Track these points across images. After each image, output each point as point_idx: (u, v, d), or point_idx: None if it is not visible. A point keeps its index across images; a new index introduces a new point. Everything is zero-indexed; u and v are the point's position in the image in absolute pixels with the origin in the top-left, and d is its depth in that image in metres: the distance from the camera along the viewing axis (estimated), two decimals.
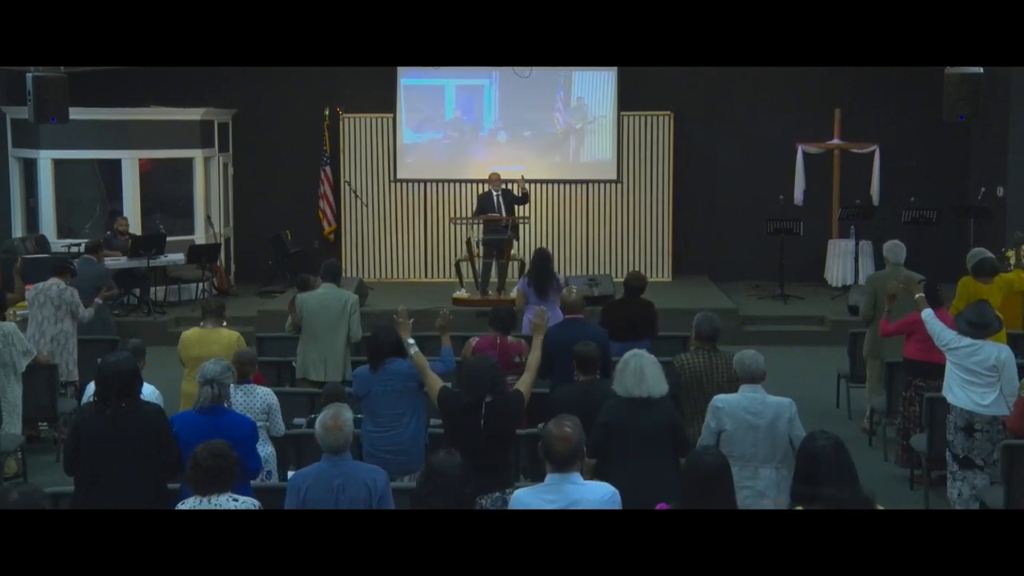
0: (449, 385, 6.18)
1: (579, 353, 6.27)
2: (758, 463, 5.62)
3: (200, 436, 5.13)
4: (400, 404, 6.35)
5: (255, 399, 6.52)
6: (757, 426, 5.61)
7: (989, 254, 8.94)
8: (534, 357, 6.22)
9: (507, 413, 5.62)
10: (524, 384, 6.00)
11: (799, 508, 4.01)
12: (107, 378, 5.38)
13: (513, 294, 12.82)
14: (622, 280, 9.16)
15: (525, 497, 4.48)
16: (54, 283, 9.18)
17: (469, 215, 13.82)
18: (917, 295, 7.44)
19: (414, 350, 6.17)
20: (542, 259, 9.41)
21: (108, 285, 10.24)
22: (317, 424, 4.92)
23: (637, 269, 11.85)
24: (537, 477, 6.56)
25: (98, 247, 10.79)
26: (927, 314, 7.15)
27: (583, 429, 4.56)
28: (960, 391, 6.83)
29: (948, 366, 6.98)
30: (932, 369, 7.54)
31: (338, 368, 8.36)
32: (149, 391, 6.27)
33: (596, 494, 4.45)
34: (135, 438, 5.29)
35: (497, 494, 5.38)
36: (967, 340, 6.75)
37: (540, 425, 6.72)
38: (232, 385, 6.31)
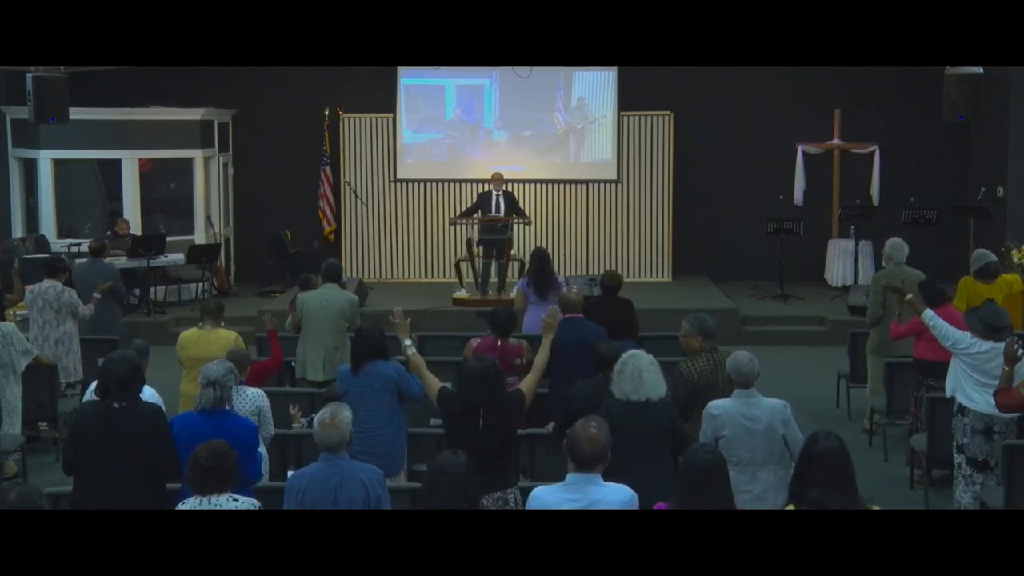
0: (448, 385, 6.15)
1: (601, 351, 6.26)
2: (756, 466, 5.58)
3: (201, 438, 5.11)
4: (377, 406, 6.31)
5: (244, 401, 6.39)
6: (754, 430, 5.57)
7: (993, 257, 8.80)
8: (542, 357, 6.17)
9: (506, 414, 5.57)
10: (527, 383, 5.94)
11: (791, 507, 4.00)
12: (110, 370, 5.38)
13: (513, 294, 12.91)
14: (624, 280, 9.14)
15: (545, 495, 4.49)
16: (50, 286, 9.16)
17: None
18: (908, 296, 7.29)
19: (411, 351, 6.09)
20: (541, 259, 9.42)
21: (115, 283, 10.20)
22: (315, 422, 4.95)
23: (614, 269, 11.81)
24: (537, 476, 6.57)
25: (103, 248, 10.75)
26: (928, 315, 6.95)
27: None
28: (976, 394, 6.67)
29: (956, 368, 6.80)
30: (945, 369, 7.45)
31: (337, 368, 8.35)
32: (149, 394, 6.25)
33: (616, 496, 4.47)
34: (133, 438, 5.28)
35: (498, 494, 5.37)
36: (987, 344, 6.56)
37: (550, 425, 6.72)
38: None
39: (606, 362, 6.15)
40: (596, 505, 4.36)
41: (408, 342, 6.12)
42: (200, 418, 5.57)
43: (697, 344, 6.48)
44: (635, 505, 4.50)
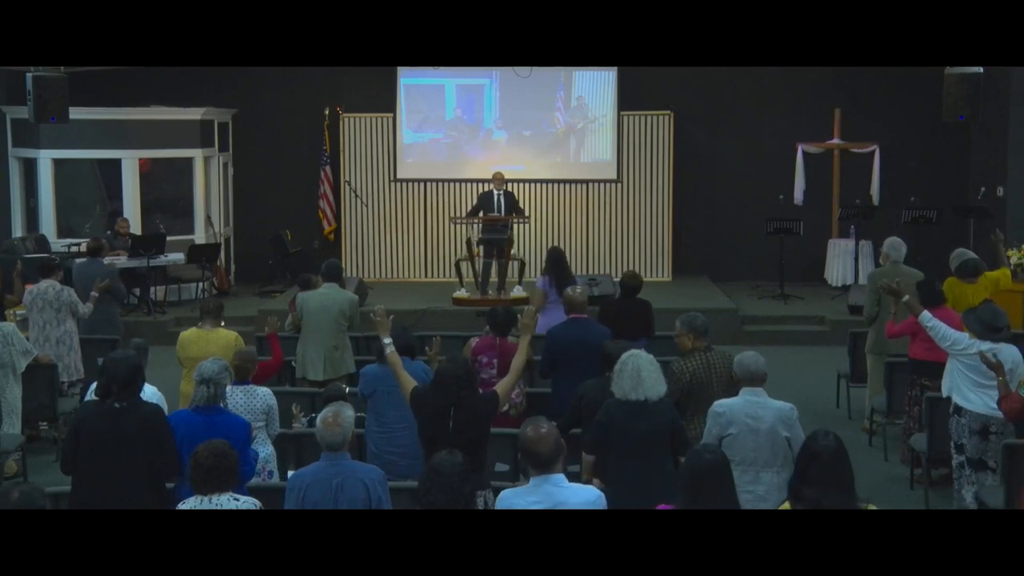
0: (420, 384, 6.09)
1: (609, 350, 6.23)
2: (759, 467, 5.58)
3: (195, 435, 5.15)
4: (405, 406, 6.30)
5: (256, 400, 6.48)
6: (758, 430, 5.56)
7: (972, 254, 8.80)
8: (519, 360, 5.99)
9: (477, 416, 5.50)
10: (503, 386, 5.87)
11: (786, 505, 4.00)
12: (111, 371, 5.38)
13: (513, 293, 12.93)
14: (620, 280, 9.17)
15: (511, 498, 4.49)
16: (49, 285, 9.16)
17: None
18: (905, 298, 7.25)
19: (390, 350, 6.02)
20: (559, 258, 9.46)
21: (113, 282, 10.20)
22: (318, 420, 4.96)
23: (633, 269, 11.84)
24: None
25: (101, 248, 10.75)
26: (925, 317, 6.92)
27: None
28: (973, 395, 6.68)
29: (953, 368, 6.80)
30: (938, 368, 7.45)
31: (338, 368, 8.36)
32: (151, 392, 6.27)
33: (581, 497, 4.47)
34: (134, 438, 5.28)
35: None
36: (986, 345, 6.51)
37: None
38: (232, 384, 6.31)
39: (614, 361, 6.13)
40: (560, 506, 4.35)
41: (387, 340, 6.07)
42: (194, 415, 5.61)
43: (689, 343, 6.48)
44: (602, 505, 4.50)
